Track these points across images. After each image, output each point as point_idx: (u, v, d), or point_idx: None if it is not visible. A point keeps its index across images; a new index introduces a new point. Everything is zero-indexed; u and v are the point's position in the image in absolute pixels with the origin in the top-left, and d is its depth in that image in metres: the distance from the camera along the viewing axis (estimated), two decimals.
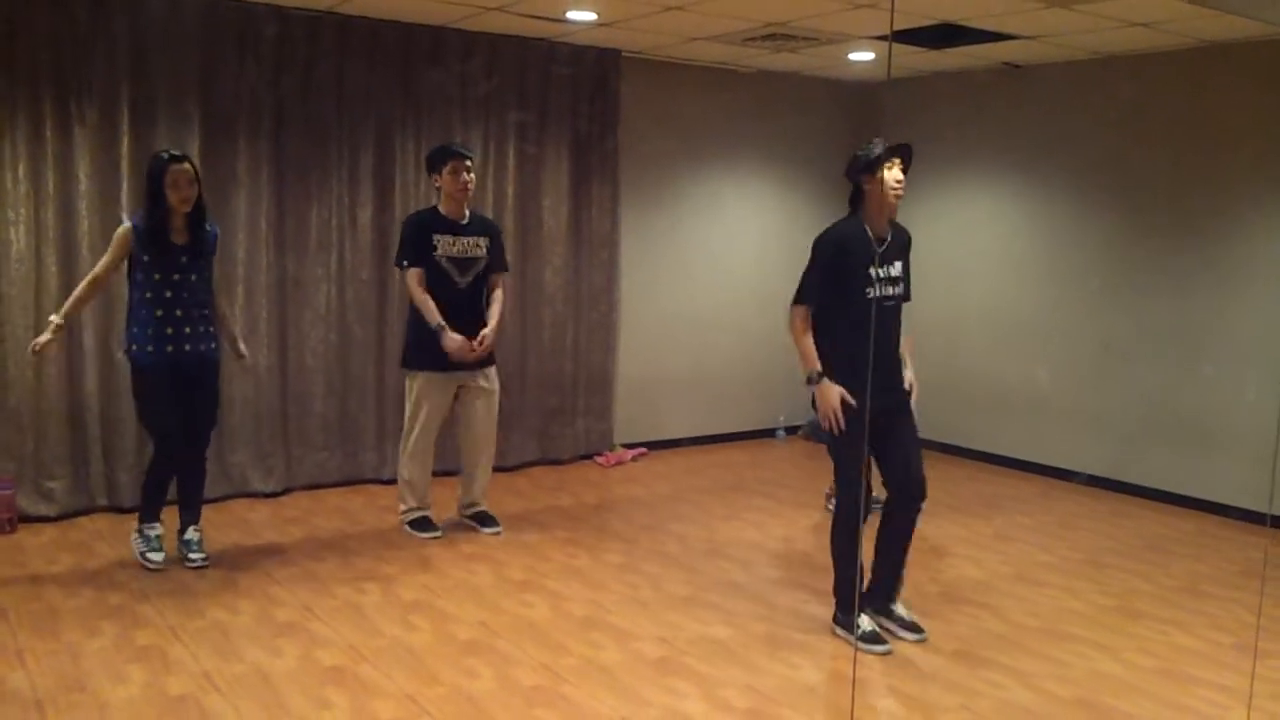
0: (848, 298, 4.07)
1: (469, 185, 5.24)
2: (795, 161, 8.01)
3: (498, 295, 5.42)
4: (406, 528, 5.48)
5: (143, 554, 4.87)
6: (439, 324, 5.12)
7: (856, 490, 4.19)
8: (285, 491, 6.14)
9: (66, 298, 5.37)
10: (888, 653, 4.12)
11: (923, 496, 4.24)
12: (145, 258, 4.64)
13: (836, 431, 4.06)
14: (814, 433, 7.02)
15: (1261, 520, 5.83)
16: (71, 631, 4.11)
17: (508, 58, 6.59)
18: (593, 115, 6.99)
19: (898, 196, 4.10)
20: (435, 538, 5.40)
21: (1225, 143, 6.12)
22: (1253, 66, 5.97)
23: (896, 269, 4.20)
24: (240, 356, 5.08)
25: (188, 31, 5.61)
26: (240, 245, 5.88)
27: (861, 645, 4.18)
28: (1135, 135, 6.55)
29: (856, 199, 4.16)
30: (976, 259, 7.45)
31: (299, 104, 5.98)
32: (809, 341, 4.12)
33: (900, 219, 4.30)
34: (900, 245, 4.25)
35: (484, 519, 5.60)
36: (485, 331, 5.25)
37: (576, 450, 7.22)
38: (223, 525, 5.50)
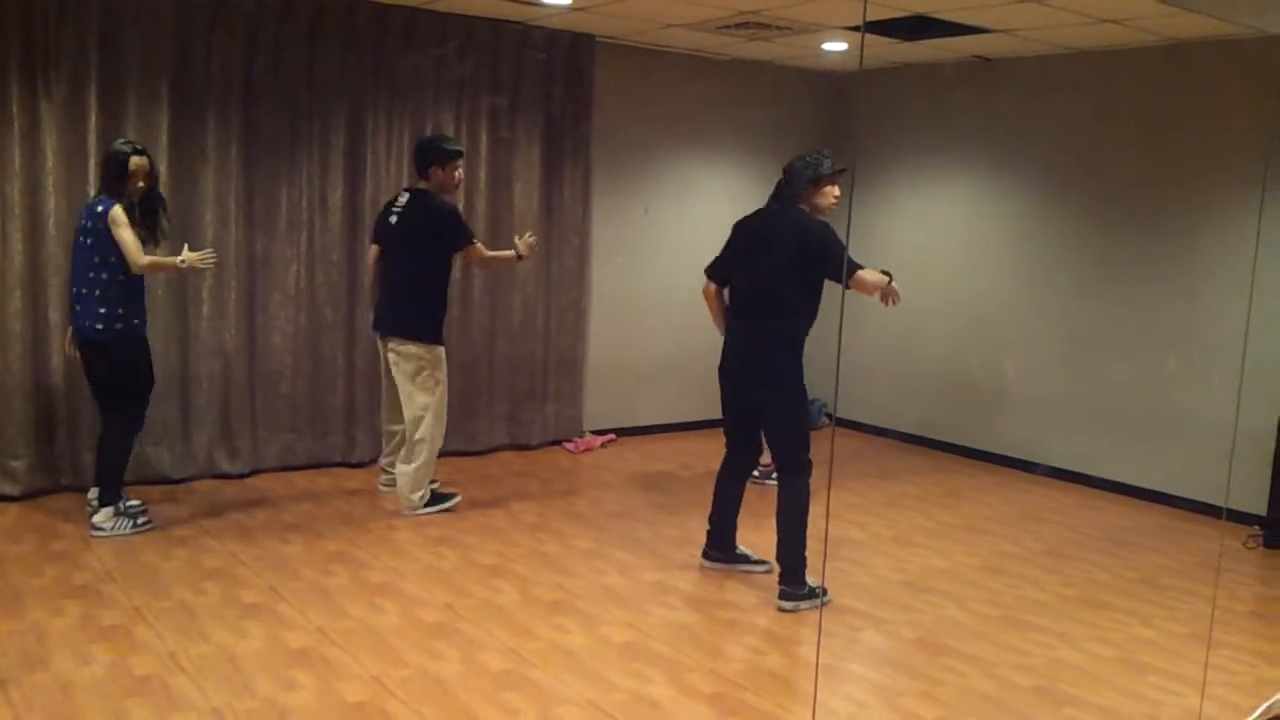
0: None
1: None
2: (768, 150, 8.01)
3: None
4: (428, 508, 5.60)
5: (134, 522, 5.01)
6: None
7: (809, 471, 4.53)
8: (252, 473, 6.11)
9: (32, 275, 5.36)
10: (828, 602, 4.52)
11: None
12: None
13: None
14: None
15: (1218, 514, 5.93)
16: (35, 611, 4.09)
17: (482, 41, 6.56)
18: (566, 100, 6.98)
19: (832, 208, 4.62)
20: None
21: (1193, 139, 6.19)
22: (1221, 65, 6.05)
23: None
24: None
25: (159, 8, 5.54)
26: (209, 224, 5.83)
27: (814, 602, 4.46)
28: (1104, 130, 6.61)
29: (794, 197, 4.55)
30: (943, 250, 7.51)
31: (270, 83, 5.93)
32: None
33: (869, 209, 4.45)
34: None
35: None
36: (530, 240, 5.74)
37: (545, 436, 7.22)
38: (189, 506, 5.48)
